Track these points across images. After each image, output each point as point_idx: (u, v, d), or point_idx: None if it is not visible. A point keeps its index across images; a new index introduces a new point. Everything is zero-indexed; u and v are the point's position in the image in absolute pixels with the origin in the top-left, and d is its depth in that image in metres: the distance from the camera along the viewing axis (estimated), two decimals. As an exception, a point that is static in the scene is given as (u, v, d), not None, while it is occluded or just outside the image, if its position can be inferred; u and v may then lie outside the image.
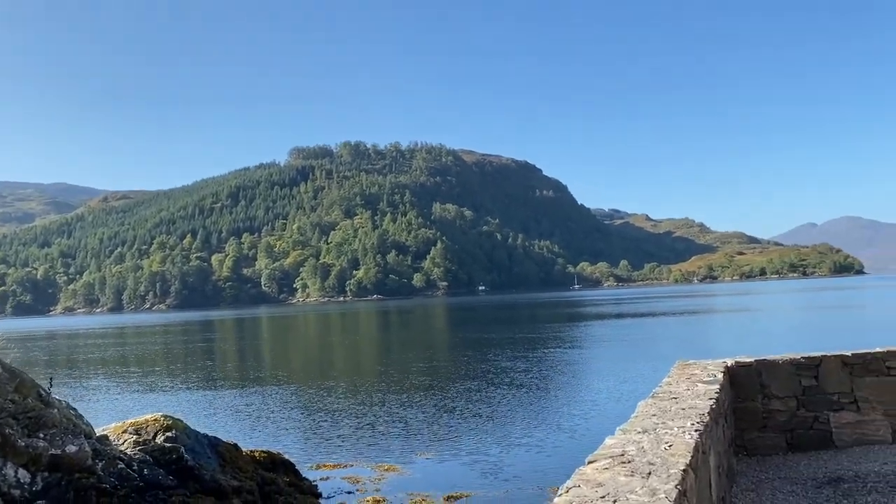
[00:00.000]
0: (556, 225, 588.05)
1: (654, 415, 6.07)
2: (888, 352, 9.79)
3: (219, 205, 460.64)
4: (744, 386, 9.57)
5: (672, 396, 6.98)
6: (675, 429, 5.40)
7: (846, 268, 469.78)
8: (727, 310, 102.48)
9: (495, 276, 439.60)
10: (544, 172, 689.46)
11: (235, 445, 14.87)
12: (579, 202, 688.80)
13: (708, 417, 5.99)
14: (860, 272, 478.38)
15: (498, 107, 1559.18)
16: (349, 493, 15.88)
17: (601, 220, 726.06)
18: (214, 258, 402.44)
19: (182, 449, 12.59)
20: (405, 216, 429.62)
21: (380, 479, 16.80)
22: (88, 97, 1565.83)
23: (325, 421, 25.98)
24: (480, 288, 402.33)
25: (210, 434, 14.76)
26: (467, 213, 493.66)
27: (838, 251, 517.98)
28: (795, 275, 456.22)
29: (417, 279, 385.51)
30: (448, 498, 14.68)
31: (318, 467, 18.48)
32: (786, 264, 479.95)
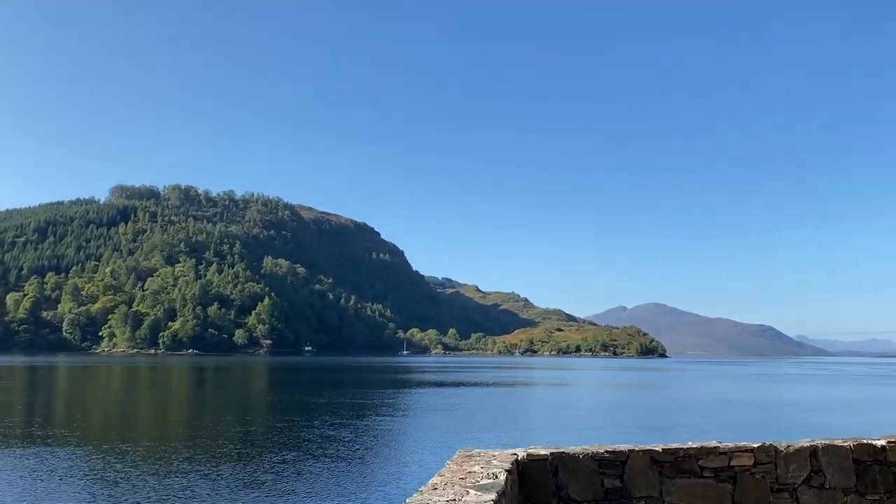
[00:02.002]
0: (390, 289, 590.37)
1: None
2: (701, 448, 8.24)
3: (23, 239, 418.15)
4: (536, 486, 7.59)
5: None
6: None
7: (651, 350, 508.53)
8: (542, 383, 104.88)
9: (324, 336, 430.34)
10: (382, 236, 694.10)
11: None
12: (414, 268, 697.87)
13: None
14: (662, 355, 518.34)
15: (339, 166, 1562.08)
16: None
17: (434, 287, 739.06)
18: (10, 297, 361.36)
19: None
20: (232, 268, 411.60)
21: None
22: None
23: (110, 491, 22.35)
24: (307, 348, 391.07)
25: None
26: (300, 269, 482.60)
27: (644, 334, 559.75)
28: (607, 353, 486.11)
29: (239, 335, 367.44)
30: None
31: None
32: (598, 343, 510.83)
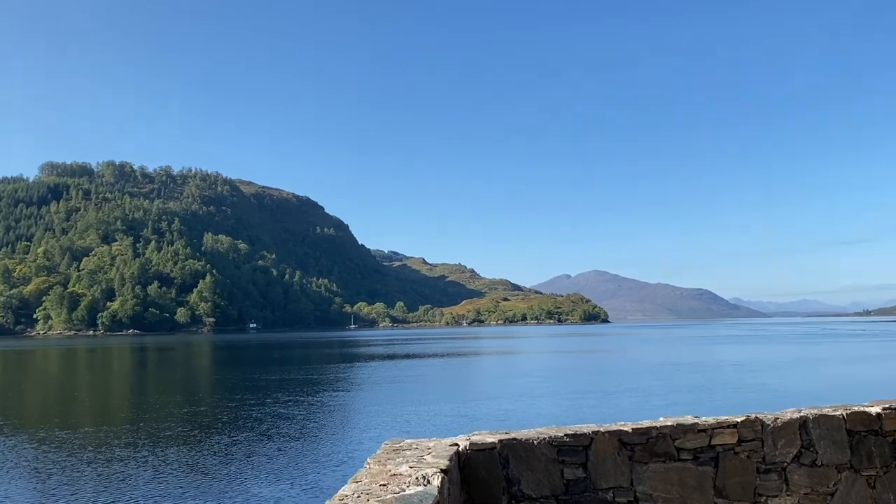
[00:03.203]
0: (336, 263, 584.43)
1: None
2: (677, 425, 6.88)
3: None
4: (482, 483, 6.09)
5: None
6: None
7: (594, 316, 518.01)
8: (490, 353, 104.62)
9: (268, 313, 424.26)
10: (326, 210, 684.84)
11: None
12: (360, 242, 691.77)
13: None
14: (605, 320, 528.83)
15: (281, 139, 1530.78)
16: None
17: (381, 260, 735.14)
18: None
19: None
20: (172, 245, 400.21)
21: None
22: None
23: (44, 484, 20.54)
24: (251, 325, 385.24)
25: None
26: (242, 245, 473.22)
27: (587, 301, 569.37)
28: (552, 321, 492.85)
29: (181, 314, 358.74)
30: None
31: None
32: (544, 311, 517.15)
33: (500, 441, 6.20)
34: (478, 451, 6.11)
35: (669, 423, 6.91)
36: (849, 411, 7.69)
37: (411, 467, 5.19)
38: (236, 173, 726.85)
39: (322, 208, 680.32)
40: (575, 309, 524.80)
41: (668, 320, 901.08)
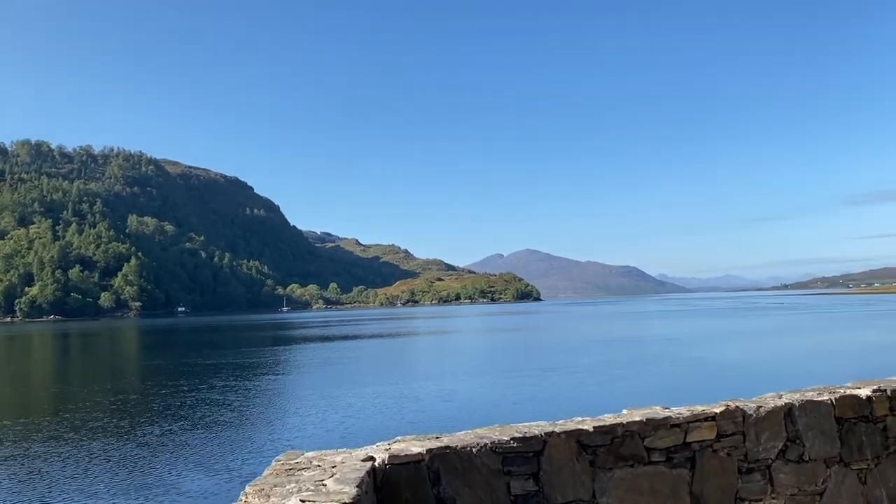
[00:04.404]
0: (267, 245, 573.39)
1: None
2: (647, 421, 5.59)
3: None
4: (406, 505, 4.70)
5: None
6: None
7: (526, 294, 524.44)
8: (423, 332, 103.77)
9: (198, 296, 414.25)
10: (256, 191, 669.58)
11: None
12: (291, 223, 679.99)
13: None
14: (537, 299, 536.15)
15: (209, 118, 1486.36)
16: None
17: (313, 242, 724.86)
18: None
19: None
20: (94, 228, 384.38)
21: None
22: None
23: None
24: (180, 309, 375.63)
25: None
26: (169, 227, 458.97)
27: (520, 280, 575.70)
28: (485, 300, 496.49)
29: (105, 298, 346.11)
30: None
31: None
32: (477, 290, 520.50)
33: (430, 451, 4.76)
34: (400, 465, 4.65)
35: (637, 419, 5.61)
36: (837, 395, 6.58)
37: (310, 494, 3.75)
38: (161, 153, 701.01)
39: (252, 189, 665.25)
40: (508, 288, 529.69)
41: (597, 297, 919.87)
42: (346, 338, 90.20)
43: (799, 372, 37.10)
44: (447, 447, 4.83)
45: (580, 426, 5.43)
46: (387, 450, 4.75)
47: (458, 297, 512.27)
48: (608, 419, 5.68)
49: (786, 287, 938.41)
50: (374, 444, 5.03)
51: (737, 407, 6.06)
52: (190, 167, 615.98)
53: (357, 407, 29.56)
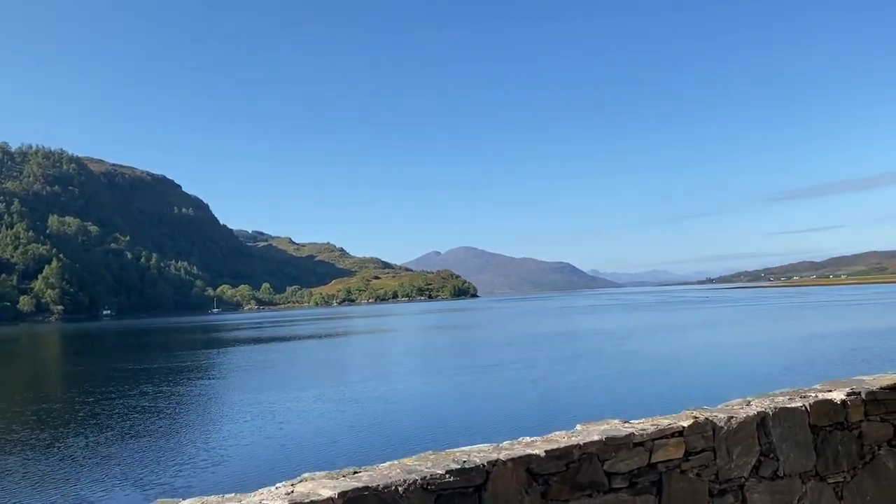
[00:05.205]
0: (196, 245, 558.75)
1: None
2: (606, 440, 4.70)
3: None
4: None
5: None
6: None
7: (463, 291, 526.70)
8: (359, 332, 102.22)
9: (124, 298, 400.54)
10: (184, 189, 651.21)
11: None
12: (222, 222, 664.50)
13: None
14: (474, 295, 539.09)
15: (133, 114, 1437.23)
16: None
17: (244, 241, 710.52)
18: None
19: None
20: (12, 229, 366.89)
21: None
22: None
23: None
24: (105, 312, 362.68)
25: None
26: (92, 228, 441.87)
27: (457, 277, 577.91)
28: (422, 297, 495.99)
29: (25, 302, 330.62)
30: None
31: None
32: (414, 288, 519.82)
33: (343, 494, 3.70)
34: (305, 516, 3.62)
35: (595, 438, 4.72)
36: (811, 401, 5.87)
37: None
38: (84, 150, 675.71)
39: (179, 187, 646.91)
40: (445, 285, 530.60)
41: (532, 293, 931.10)
42: (277, 339, 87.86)
43: (742, 364, 37.58)
44: (366, 488, 3.82)
45: (529, 450, 4.51)
46: (288, 494, 3.70)
47: (395, 296, 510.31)
48: (561, 438, 4.78)
49: (711, 281, 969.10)
50: (275, 483, 3.99)
51: (706, 419, 5.26)
52: (115, 165, 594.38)
53: (264, 426, 26.39)
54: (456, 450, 4.64)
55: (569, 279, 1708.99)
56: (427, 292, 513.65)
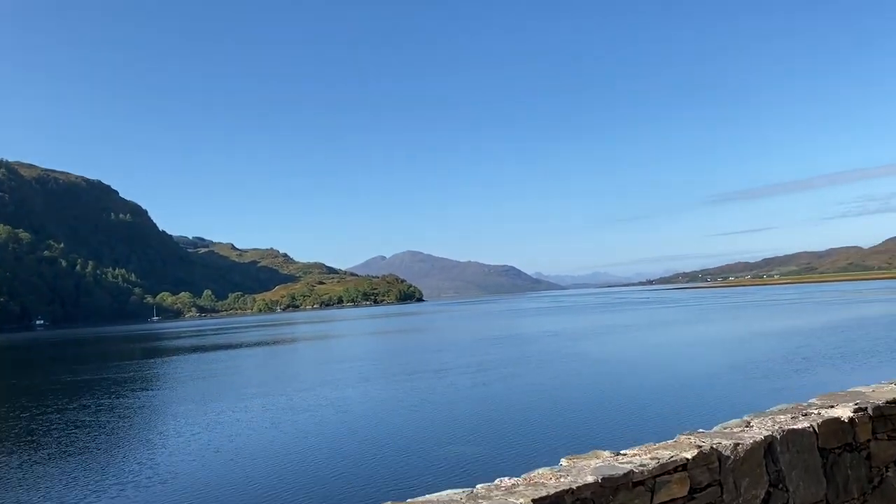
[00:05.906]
0: (134, 252, 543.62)
1: None
2: (602, 481, 3.88)
3: None
4: None
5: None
6: None
7: (409, 295, 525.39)
8: (302, 339, 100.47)
9: (58, 308, 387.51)
10: (121, 194, 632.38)
11: None
12: (161, 228, 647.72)
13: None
14: (420, 299, 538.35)
15: (65, 117, 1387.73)
16: None
17: (185, 247, 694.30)
18: None
19: None
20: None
21: None
22: None
23: None
24: (38, 322, 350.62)
25: None
26: (24, 235, 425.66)
27: (403, 281, 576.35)
28: (368, 302, 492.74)
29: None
30: None
31: None
32: (360, 293, 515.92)
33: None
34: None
35: (589, 480, 3.90)
36: (818, 422, 5.21)
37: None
38: (14, 155, 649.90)
39: (116, 192, 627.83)
40: (391, 290, 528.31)
41: (477, 296, 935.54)
42: (218, 348, 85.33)
43: (698, 361, 37.66)
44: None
45: (512, 499, 3.67)
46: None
47: (340, 301, 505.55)
48: (547, 480, 3.96)
49: (650, 282, 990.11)
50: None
51: (711, 448, 4.52)
52: (47, 170, 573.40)
53: (212, 439, 24.53)
54: (419, 499, 3.77)
55: (513, 282, 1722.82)
56: (373, 297, 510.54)
